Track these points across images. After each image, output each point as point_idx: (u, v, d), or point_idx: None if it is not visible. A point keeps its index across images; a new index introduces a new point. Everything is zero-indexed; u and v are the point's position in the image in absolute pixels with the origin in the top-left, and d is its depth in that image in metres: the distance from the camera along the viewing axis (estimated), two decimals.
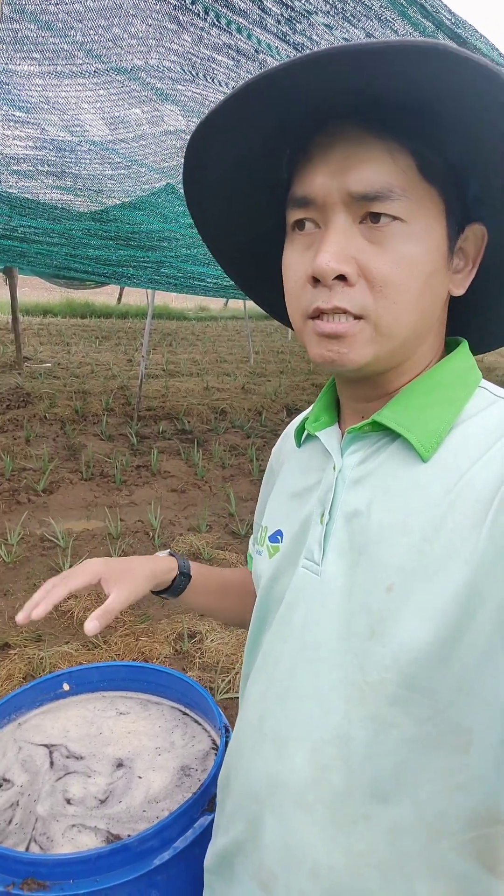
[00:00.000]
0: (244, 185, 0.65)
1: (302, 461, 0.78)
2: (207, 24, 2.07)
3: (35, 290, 22.63)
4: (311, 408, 0.79)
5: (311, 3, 1.69)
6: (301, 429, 0.79)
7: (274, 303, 0.80)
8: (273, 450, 0.93)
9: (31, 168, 2.28)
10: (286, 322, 0.81)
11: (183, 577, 0.92)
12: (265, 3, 1.87)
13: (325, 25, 1.76)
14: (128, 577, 0.85)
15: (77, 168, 2.30)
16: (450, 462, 0.59)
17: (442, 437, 0.61)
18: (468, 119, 0.53)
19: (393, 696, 0.57)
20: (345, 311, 0.57)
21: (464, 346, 0.69)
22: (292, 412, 7.79)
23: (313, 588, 0.66)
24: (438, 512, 0.58)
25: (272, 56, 2.20)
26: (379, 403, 0.67)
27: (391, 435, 0.64)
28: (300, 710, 0.64)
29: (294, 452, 0.82)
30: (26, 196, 2.49)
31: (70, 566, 3.57)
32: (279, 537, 0.76)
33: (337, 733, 0.61)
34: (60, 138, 2.07)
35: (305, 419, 0.78)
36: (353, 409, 0.71)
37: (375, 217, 0.56)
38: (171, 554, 0.94)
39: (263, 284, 0.79)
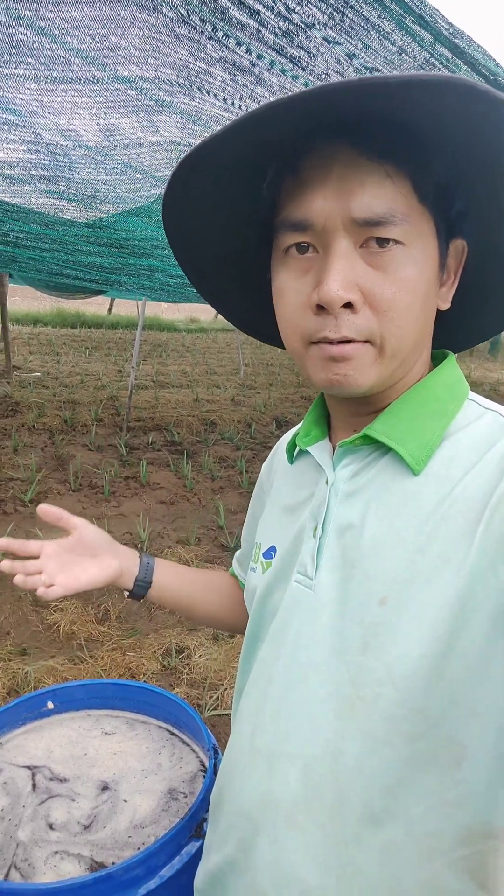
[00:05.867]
0: (222, 201, 0.64)
1: (294, 476, 0.78)
2: (204, 38, 2.07)
3: (25, 300, 22.59)
4: (300, 423, 0.79)
5: (309, 16, 1.69)
6: (292, 445, 0.78)
7: (243, 315, 0.80)
8: (263, 466, 0.94)
9: (23, 172, 2.26)
10: (257, 335, 0.82)
11: (140, 586, 0.93)
12: (263, 15, 1.88)
13: (324, 38, 1.76)
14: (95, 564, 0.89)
15: (70, 172, 2.28)
16: (441, 474, 0.60)
17: (432, 450, 0.61)
18: (457, 139, 0.53)
19: (385, 713, 0.56)
20: (352, 340, 0.57)
21: (451, 359, 0.69)
22: (282, 424, 7.79)
23: (306, 602, 0.65)
24: (431, 523, 0.58)
25: (269, 69, 2.21)
26: (370, 418, 0.67)
27: (382, 448, 0.65)
28: (292, 725, 0.63)
29: (286, 468, 0.82)
30: (18, 201, 2.46)
31: None
32: (272, 553, 0.76)
33: (327, 749, 0.60)
34: (55, 142, 2.06)
35: (296, 435, 0.78)
36: (345, 423, 0.71)
37: (380, 242, 0.56)
38: (141, 556, 0.95)
39: (237, 300, 0.78)
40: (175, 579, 0.96)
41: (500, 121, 0.48)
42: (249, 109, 0.53)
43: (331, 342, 0.58)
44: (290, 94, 0.48)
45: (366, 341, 0.58)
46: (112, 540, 0.94)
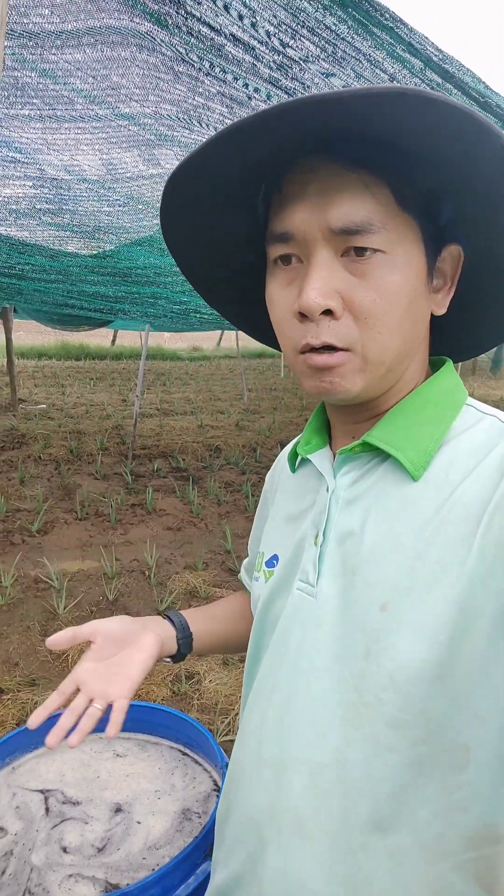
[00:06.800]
0: (221, 220, 0.66)
1: (296, 485, 0.79)
2: (202, 74, 2.14)
3: (30, 334, 22.86)
4: (302, 433, 0.80)
5: (302, 50, 1.75)
6: (294, 454, 0.79)
7: (261, 329, 0.81)
8: (266, 477, 0.94)
9: (28, 207, 2.32)
10: (269, 343, 0.82)
11: (184, 643, 0.87)
12: (258, 50, 1.94)
13: (318, 70, 1.82)
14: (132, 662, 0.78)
15: (74, 205, 2.35)
16: (440, 479, 0.60)
17: (431, 456, 0.62)
18: (439, 151, 0.54)
19: (389, 718, 0.56)
20: (333, 347, 0.58)
21: (449, 365, 0.70)
22: None
23: (308, 610, 0.66)
24: (430, 529, 0.58)
25: (266, 102, 2.27)
26: (369, 424, 0.67)
27: (382, 455, 0.65)
28: (297, 733, 0.63)
29: (288, 477, 0.82)
30: (24, 235, 2.53)
31: (65, 607, 3.50)
32: (275, 562, 0.76)
33: (334, 756, 0.59)
34: (59, 178, 2.12)
35: (297, 444, 0.78)
36: (344, 430, 0.72)
37: (358, 251, 0.57)
38: (165, 617, 0.89)
39: (250, 314, 0.80)
40: (206, 623, 0.92)
41: (462, 130, 0.49)
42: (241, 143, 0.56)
43: (313, 349, 0.59)
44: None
45: (347, 349, 0.59)
46: (133, 618, 0.85)
